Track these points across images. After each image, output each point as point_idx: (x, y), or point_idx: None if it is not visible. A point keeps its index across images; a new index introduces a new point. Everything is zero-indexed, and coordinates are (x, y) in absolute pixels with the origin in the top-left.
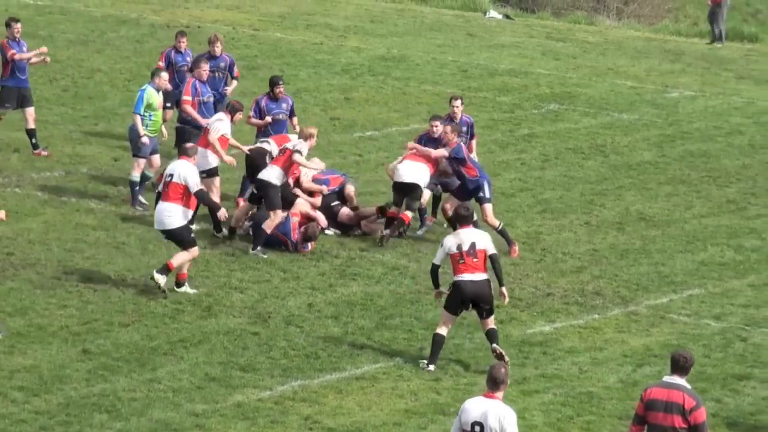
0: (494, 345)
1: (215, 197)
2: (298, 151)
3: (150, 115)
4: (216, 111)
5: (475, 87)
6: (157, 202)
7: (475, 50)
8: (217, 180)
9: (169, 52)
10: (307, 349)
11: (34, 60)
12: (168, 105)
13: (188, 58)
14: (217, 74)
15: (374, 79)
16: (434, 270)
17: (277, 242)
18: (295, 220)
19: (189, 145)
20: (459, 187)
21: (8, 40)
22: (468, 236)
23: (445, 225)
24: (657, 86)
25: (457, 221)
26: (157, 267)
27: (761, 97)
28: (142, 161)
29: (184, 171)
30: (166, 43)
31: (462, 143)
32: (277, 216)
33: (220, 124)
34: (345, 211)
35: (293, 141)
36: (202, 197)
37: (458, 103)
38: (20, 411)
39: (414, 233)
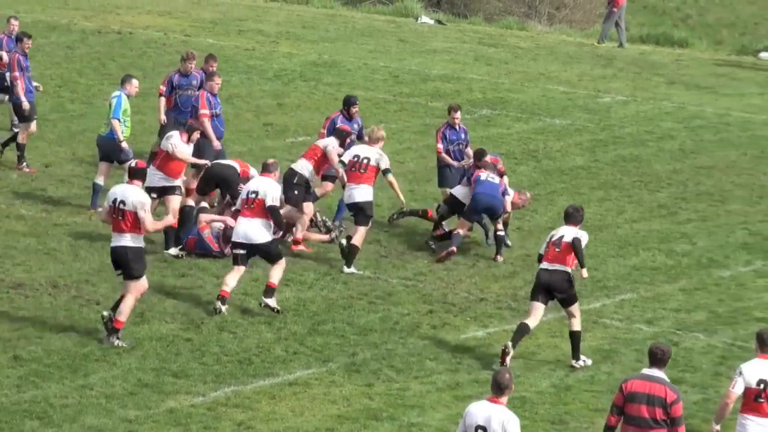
0: (573, 362)
1: (170, 216)
2: (387, 170)
3: (124, 121)
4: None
5: (407, 92)
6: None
7: (407, 56)
8: (175, 200)
9: (171, 77)
10: (240, 354)
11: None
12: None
13: (194, 81)
14: (189, 91)
15: (306, 85)
16: (540, 259)
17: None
18: (206, 233)
19: (271, 161)
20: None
21: (18, 55)
22: (561, 230)
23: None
24: (589, 91)
25: (565, 220)
26: (222, 291)
27: (691, 101)
28: (109, 166)
29: (267, 187)
30: (98, 49)
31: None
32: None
33: (176, 141)
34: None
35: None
36: (273, 212)
37: (458, 114)
38: None
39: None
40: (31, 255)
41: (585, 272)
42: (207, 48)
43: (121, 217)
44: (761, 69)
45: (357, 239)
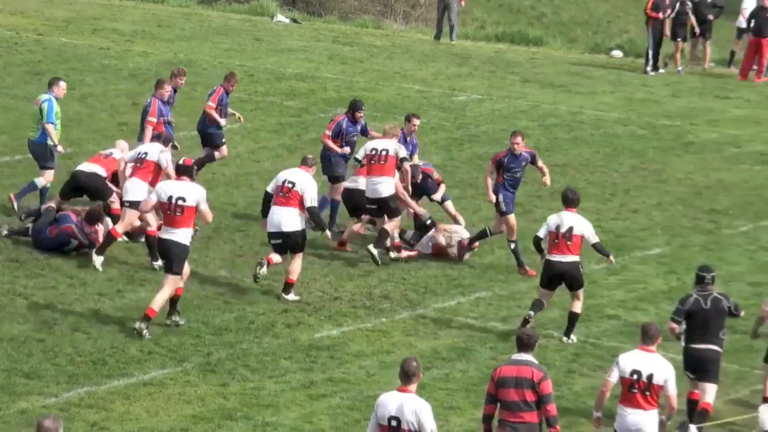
0: (565, 338)
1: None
2: (404, 158)
3: (55, 125)
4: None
5: (262, 91)
6: (267, 208)
7: (262, 54)
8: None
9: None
10: (94, 355)
11: None
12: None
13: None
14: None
15: None
16: (535, 241)
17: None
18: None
19: (310, 156)
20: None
21: None
22: (569, 220)
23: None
24: (444, 90)
25: (564, 203)
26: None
27: (546, 100)
28: (51, 172)
29: (305, 182)
30: None
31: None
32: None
33: (165, 156)
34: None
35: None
36: (313, 214)
37: (415, 120)
38: None
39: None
40: None
41: (612, 258)
42: (60, 47)
43: (180, 213)
44: (613, 67)
45: (390, 226)
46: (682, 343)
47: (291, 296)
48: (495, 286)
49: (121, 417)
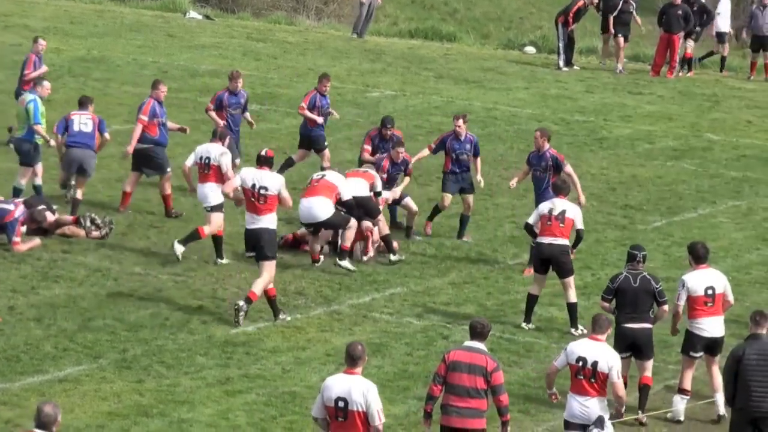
0: (573, 330)
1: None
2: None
3: (41, 124)
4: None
5: (176, 88)
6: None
7: (175, 51)
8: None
9: (221, 95)
10: (7, 352)
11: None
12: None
13: (242, 100)
14: (236, 111)
15: (75, 81)
16: (526, 227)
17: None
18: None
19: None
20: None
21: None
22: (561, 204)
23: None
24: (358, 86)
25: (554, 191)
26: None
27: (460, 96)
28: (29, 170)
29: (338, 179)
30: None
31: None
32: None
33: (226, 158)
34: (50, 217)
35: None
36: (350, 208)
37: (460, 122)
38: None
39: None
40: None
41: (573, 253)
42: None
43: (263, 201)
44: (526, 63)
45: (382, 227)
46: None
47: (345, 263)
48: (410, 282)
49: None
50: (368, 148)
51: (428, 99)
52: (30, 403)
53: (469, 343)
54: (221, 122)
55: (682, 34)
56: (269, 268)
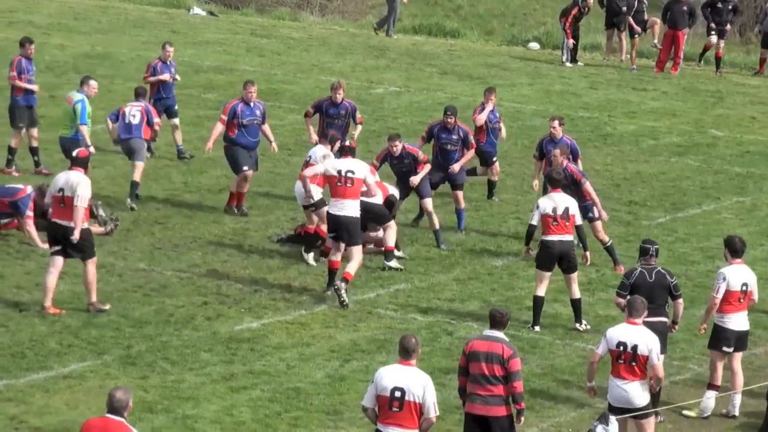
0: (576, 325)
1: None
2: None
3: (87, 125)
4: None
5: (180, 84)
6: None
7: (179, 47)
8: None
9: (235, 105)
10: (12, 348)
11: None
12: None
13: (257, 111)
14: (338, 121)
15: (79, 77)
16: (530, 230)
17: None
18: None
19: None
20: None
21: (22, 58)
22: (562, 201)
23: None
24: (362, 82)
25: (550, 184)
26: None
27: (464, 92)
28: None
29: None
30: None
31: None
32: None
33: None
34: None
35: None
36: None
37: (556, 123)
38: None
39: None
40: None
41: (588, 255)
42: None
43: (350, 184)
44: (530, 59)
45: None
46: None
47: (393, 263)
48: (414, 278)
49: (41, 410)
50: (377, 164)
51: (432, 95)
52: (35, 399)
53: (487, 332)
54: (314, 136)
55: (686, 30)
56: (358, 252)
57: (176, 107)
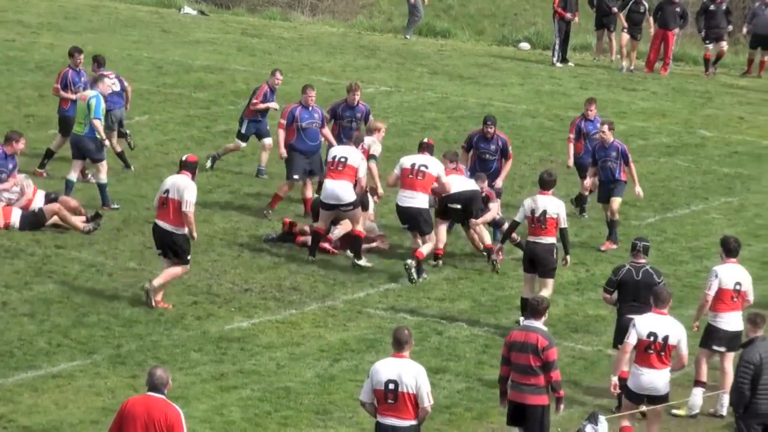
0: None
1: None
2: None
3: (101, 120)
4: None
5: (170, 83)
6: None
7: (170, 46)
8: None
9: (293, 109)
10: (1, 347)
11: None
12: None
13: (316, 115)
14: (353, 123)
15: None
16: (512, 225)
17: None
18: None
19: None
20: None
21: (70, 69)
22: (542, 203)
23: None
24: (353, 82)
25: (539, 185)
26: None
27: (454, 92)
28: (104, 164)
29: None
30: None
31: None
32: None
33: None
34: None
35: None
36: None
37: (606, 128)
38: None
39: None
40: None
41: (568, 259)
42: None
43: (421, 177)
44: (521, 59)
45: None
46: (616, 315)
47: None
48: (404, 277)
49: (30, 409)
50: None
51: (423, 95)
52: (23, 398)
53: (526, 322)
54: (284, 150)
55: (677, 30)
56: (431, 238)
57: (268, 127)
